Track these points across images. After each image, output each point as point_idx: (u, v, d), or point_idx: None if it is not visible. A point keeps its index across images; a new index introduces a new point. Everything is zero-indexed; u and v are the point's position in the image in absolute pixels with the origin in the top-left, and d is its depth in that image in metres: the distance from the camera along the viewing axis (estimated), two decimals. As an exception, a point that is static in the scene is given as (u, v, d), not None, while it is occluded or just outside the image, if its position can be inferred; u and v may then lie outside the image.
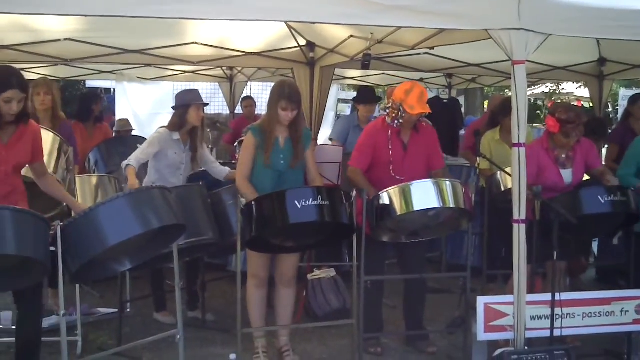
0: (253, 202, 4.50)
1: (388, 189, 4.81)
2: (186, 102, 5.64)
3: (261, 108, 10.18)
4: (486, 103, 27.71)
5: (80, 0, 3.66)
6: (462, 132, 10.77)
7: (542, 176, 5.14)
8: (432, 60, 8.24)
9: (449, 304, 6.10)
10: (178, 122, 5.64)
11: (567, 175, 5.26)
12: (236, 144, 8.48)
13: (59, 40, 6.60)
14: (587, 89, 21.74)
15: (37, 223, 3.77)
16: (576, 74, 8.78)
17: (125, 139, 7.88)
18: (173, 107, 5.75)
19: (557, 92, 21.15)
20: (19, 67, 8.52)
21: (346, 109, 19.28)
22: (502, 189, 6.14)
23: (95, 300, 6.49)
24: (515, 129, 4.35)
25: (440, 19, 4.19)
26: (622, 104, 16.40)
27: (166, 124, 5.74)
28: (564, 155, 5.25)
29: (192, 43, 6.98)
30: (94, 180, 6.01)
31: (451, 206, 4.81)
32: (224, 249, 5.94)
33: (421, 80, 11.46)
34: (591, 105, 24.07)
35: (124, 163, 5.43)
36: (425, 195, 4.78)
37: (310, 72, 7.28)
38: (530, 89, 19.63)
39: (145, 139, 6.82)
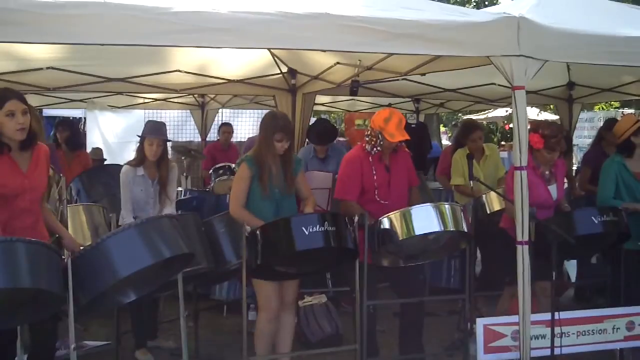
0: (258, 230, 4.50)
1: (389, 214, 4.85)
2: (143, 134, 5.58)
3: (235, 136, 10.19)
4: (442, 128, 28.27)
5: (92, 30, 3.64)
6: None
7: (531, 194, 5.23)
8: (402, 85, 8.30)
9: (437, 327, 6.16)
10: (138, 157, 5.58)
11: (553, 191, 5.40)
12: (211, 171, 8.51)
13: (41, 69, 6.51)
14: (546, 113, 22.38)
15: (51, 255, 3.71)
16: (546, 97, 9.00)
17: (107, 167, 7.78)
18: (138, 135, 5.70)
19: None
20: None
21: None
22: (488, 212, 6.28)
23: (79, 333, 6.34)
24: (517, 152, 4.47)
25: (445, 46, 4.30)
26: (581, 126, 16.88)
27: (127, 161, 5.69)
28: (547, 172, 5.39)
29: (176, 71, 6.96)
30: (83, 210, 5.90)
31: (452, 229, 4.88)
32: (214, 278, 5.91)
33: (389, 105, 11.65)
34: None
35: (123, 222, 5.39)
36: (426, 219, 4.83)
37: (292, 99, 7.33)
38: (486, 111, 20.09)
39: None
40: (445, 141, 24.41)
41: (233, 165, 8.47)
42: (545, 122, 5.82)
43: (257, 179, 4.81)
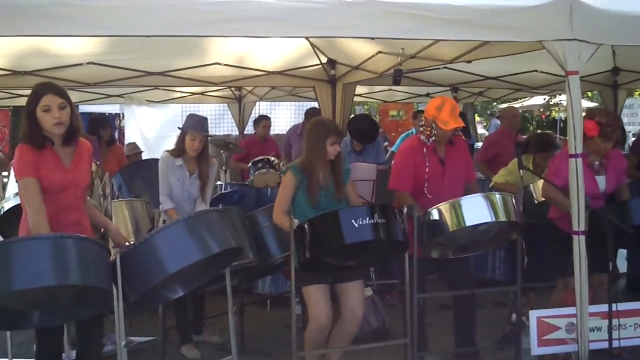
0: (306, 224, 4.42)
1: (438, 205, 4.75)
2: (184, 127, 5.52)
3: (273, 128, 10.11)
4: (477, 117, 28.01)
5: (135, 22, 3.59)
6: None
7: None
8: (441, 74, 8.13)
9: (483, 319, 6.02)
10: (177, 148, 5.53)
11: (601, 182, 5.23)
12: (250, 164, 8.45)
13: (81, 64, 6.50)
14: (583, 99, 22.03)
15: (100, 251, 3.66)
16: (590, 83, 8.78)
17: (147, 162, 7.78)
18: (179, 128, 5.66)
19: (553, 103, 21.30)
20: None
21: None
22: (535, 202, 6.13)
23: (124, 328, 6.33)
24: (571, 139, 4.33)
25: (496, 32, 4.19)
26: (625, 113, 16.54)
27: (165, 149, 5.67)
28: (597, 162, 5.22)
29: (214, 63, 6.91)
30: (127, 205, 5.88)
31: (503, 220, 4.76)
32: (259, 272, 5.85)
33: (427, 95, 11.52)
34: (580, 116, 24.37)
35: (161, 208, 5.43)
36: (477, 209, 4.72)
37: (332, 90, 7.24)
38: (522, 100, 19.81)
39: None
40: (481, 130, 24.18)
41: (272, 158, 8.43)
42: (602, 110, 5.63)
43: (304, 187, 4.70)
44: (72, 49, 6.24)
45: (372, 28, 3.95)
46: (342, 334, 4.86)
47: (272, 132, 9.92)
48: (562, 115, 25.39)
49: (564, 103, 22.20)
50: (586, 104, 23.29)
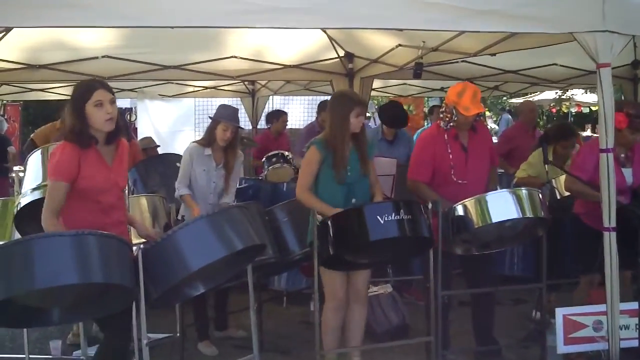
0: (329, 220, 4.33)
1: (464, 200, 4.65)
2: (217, 117, 5.44)
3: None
4: (487, 112, 27.85)
5: (162, 12, 3.50)
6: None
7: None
8: (457, 68, 7.97)
9: (503, 316, 5.93)
10: (207, 138, 5.47)
11: (627, 174, 5.14)
12: (264, 159, 8.36)
13: (96, 57, 6.42)
14: (592, 94, 21.91)
15: (122, 248, 3.59)
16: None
17: (163, 157, 7.69)
18: (210, 117, 5.59)
19: (566, 97, 21.17)
20: (56, 86, 8.44)
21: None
22: (558, 197, 6.03)
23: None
24: (602, 134, 4.22)
25: (525, 23, 4.08)
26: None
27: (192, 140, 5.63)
28: (623, 155, 5.12)
29: (231, 57, 6.83)
30: (144, 200, 5.80)
31: (530, 216, 4.66)
32: (279, 268, 5.77)
33: (442, 89, 11.40)
34: (591, 109, 24.24)
35: (177, 194, 5.42)
36: (503, 205, 4.63)
37: (349, 83, 7.15)
38: (533, 95, 19.67)
39: (180, 155, 6.64)
40: (492, 124, 24.04)
41: (286, 153, 8.34)
42: (631, 102, 5.53)
43: (329, 163, 4.61)
44: (88, 42, 6.17)
45: (404, 19, 3.84)
46: (354, 321, 4.85)
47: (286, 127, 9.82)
48: (573, 109, 25.29)
49: (576, 97, 22.14)
50: (596, 97, 23.15)
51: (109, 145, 3.85)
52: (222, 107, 5.65)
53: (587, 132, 22.45)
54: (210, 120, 5.55)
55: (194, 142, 5.60)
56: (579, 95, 21.56)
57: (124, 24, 3.63)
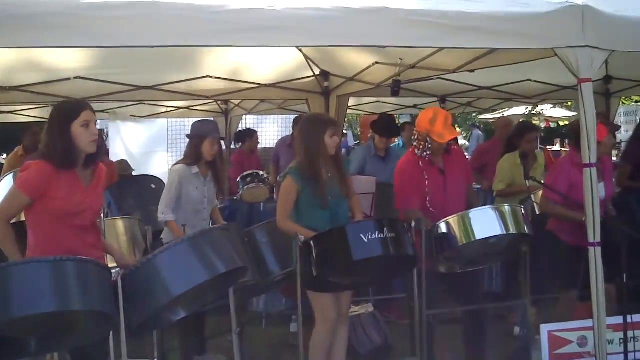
0: (312, 241, 4.26)
1: (447, 218, 4.62)
2: (202, 134, 5.33)
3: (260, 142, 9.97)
4: (457, 128, 28.03)
5: (143, 32, 3.42)
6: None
7: (575, 192, 4.98)
8: (429, 84, 7.96)
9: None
10: (193, 155, 5.34)
11: (600, 188, 5.14)
12: (238, 179, 8.28)
13: (69, 79, 6.30)
14: (561, 109, 22.14)
15: (102, 273, 3.48)
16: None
17: (137, 178, 7.57)
18: (188, 136, 5.45)
19: (536, 113, 21.38)
20: (26, 108, 8.30)
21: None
22: (537, 212, 6.03)
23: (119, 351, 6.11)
24: (585, 148, 4.21)
25: (507, 39, 4.07)
26: (619, 120, 16.58)
27: (178, 160, 5.48)
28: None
29: (206, 77, 6.75)
30: (120, 223, 5.70)
31: (513, 232, 4.64)
32: (259, 290, 5.69)
33: (415, 106, 11.42)
34: (559, 124, 24.45)
35: (162, 219, 5.25)
36: (487, 222, 4.61)
37: (325, 101, 7.10)
38: (503, 110, 19.84)
39: (155, 177, 6.52)
40: (462, 141, 24.18)
41: (261, 173, 8.27)
42: (600, 113, 5.58)
43: (308, 191, 4.54)
44: (60, 63, 6.05)
45: (385, 37, 3.81)
46: (338, 341, 4.77)
47: (259, 146, 9.78)
48: (542, 124, 25.56)
49: (545, 113, 22.38)
50: (565, 113, 23.45)
51: (86, 168, 3.76)
52: (202, 123, 5.58)
53: (557, 147, 22.73)
54: (187, 140, 5.46)
55: (178, 163, 5.46)
56: (548, 110, 21.79)
57: (100, 44, 3.53)
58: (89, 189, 3.77)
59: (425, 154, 4.91)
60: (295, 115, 9.36)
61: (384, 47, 4.07)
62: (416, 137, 4.98)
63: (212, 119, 10.84)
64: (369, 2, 3.76)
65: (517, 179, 6.39)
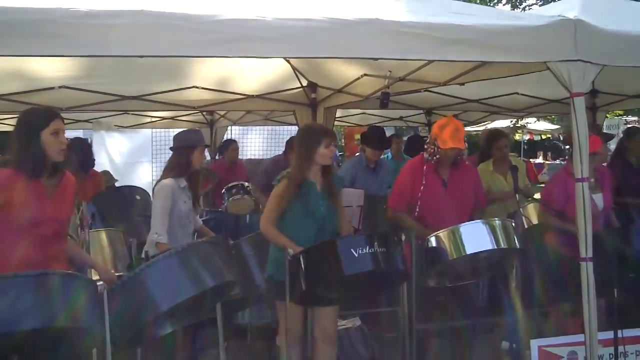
0: (301, 255, 4.19)
1: (437, 232, 4.58)
2: (192, 144, 5.05)
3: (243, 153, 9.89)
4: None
5: (130, 42, 3.35)
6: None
7: (571, 203, 4.95)
8: (416, 97, 7.81)
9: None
10: (184, 166, 4.99)
11: (598, 199, 5.15)
12: (223, 190, 8.18)
13: (53, 88, 6.20)
14: (544, 122, 22.22)
15: (87, 288, 3.41)
16: (568, 105, 8.69)
17: (121, 190, 7.47)
18: (172, 149, 5.14)
19: (520, 125, 21.46)
20: (9, 117, 8.16)
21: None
22: (525, 225, 5.99)
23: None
24: (577, 162, 4.19)
25: (499, 52, 4.04)
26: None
27: (163, 173, 5.13)
28: (592, 180, 5.10)
29: (192, 87, 6.67)
30: (104, 235, 5.61)
31: (504, 246, 4.60)
32: (245, 303, 5.60)
33: (401, 118, 11.40)
34: (542, 137, 24.54)
35: (154, 239, 4.76)
36: (477, 237, 4.58)
37: (312, 113, 7.05)
38: (486, 123, 19.90)
39: (139, 188, 6.38)
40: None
41: (246, 184, 8.18)
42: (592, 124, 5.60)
43: (301, 198, 4.49)
44: (44, 71, 5.94)
45: (377, 49, 3.77)
46: (321, 359, 4.66)
47: (244, 157, 9.69)
48: (526, 137, 25.71)
49: (529, 125, 22.48)
50: (548, 125, 23.57)
51: (51, 178, 3.67)
52: (190, 133, 5.35)
53: (539, 159, 22.86)
54: (170, 152, 5.25)
55: (166, 178, 5.05)
56: (532, 123, 21.91)
57: (89, 52, 3.46)
58: (53, 199, 3.67)
59: (432, 158, 5.00)
60: (283, 129, 9.25)
61: (376, 59, 4.00)
62: (428, 141, 5.12)
63: (197, 129, 10.78)
64: (360, 14, 3.72)
65: (493, 187, 6.36)
